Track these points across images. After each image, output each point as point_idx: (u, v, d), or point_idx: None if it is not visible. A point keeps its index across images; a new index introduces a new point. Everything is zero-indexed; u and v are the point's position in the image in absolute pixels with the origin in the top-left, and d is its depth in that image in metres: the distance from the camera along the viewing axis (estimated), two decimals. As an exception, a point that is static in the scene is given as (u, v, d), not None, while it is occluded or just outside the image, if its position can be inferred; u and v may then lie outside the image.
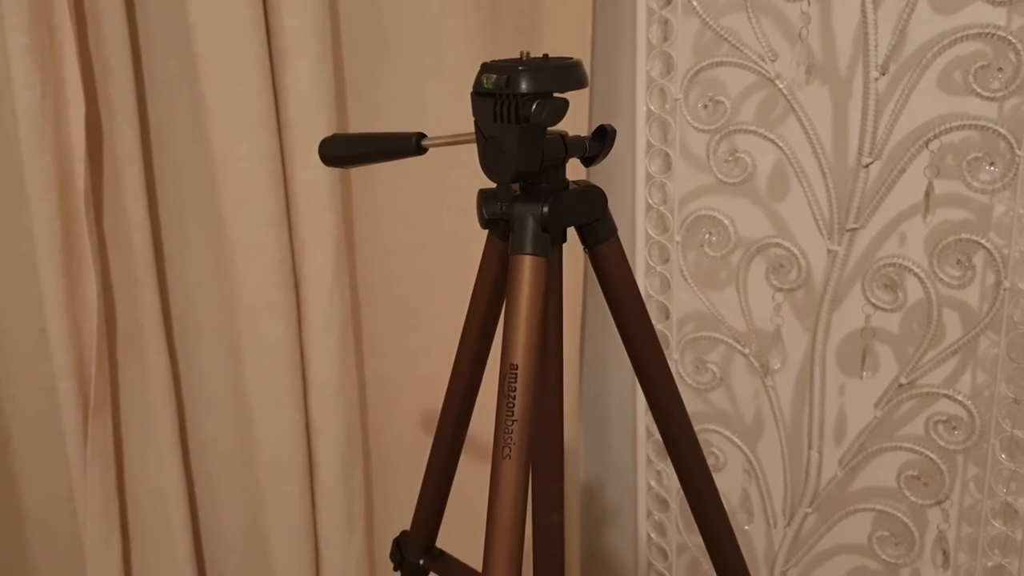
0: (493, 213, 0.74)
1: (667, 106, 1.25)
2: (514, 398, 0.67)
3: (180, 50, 1.17)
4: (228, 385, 1.30)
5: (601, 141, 0.75)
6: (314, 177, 1.20)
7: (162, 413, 1.25)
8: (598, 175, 1.37)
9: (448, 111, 1.24)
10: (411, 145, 0.75)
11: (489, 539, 0.67)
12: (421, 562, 0.96)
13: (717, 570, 0.87)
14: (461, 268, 1.28)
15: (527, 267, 0.69)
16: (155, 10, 1.18)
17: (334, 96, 1.20)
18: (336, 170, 1.22)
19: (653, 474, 1.41)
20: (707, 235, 1.27)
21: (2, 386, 1.25)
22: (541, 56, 0.70)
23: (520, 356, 0.68)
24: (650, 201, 1.30)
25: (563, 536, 0.83)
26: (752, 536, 1.35)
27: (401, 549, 0.98)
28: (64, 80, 1.11)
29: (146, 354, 1.23)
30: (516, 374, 0.67)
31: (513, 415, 0.67)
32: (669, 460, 1.37)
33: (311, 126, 1.18)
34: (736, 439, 1.33)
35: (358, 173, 1.30)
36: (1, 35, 1.08)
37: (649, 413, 1.37)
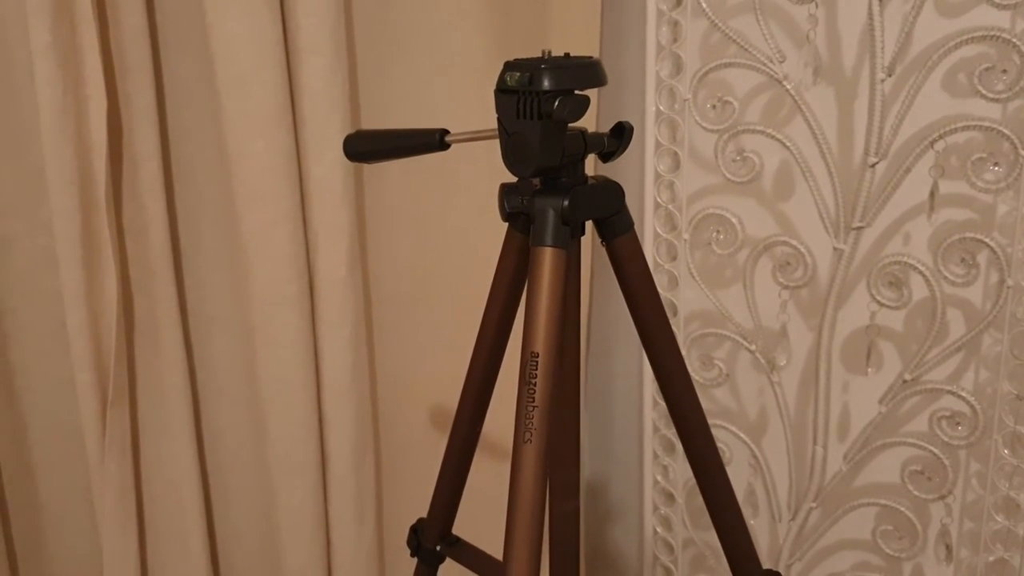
0: (514, 206, 0.77)
1: (676, 106, 1.27)
2: (535, 385, 0.69)
3: (198, 49, 1.19)
4: (242, 378, 1.32)
5: (619, 138, 0.77)
6: (328, 174, 1.22)
7: (177, 405, 1.27)
8: (608, 173, 1.40)
9: (460, 109, 1.26)
10: (435, 141, 0.77)
11: (510, 521, 0.69)
12: (438, 548, 0.98)
13: (728, 556, 0.89)
14: (471, 265, 1.31)
15: (548, 258, 0.71)
16: (174, 10, 1.20)
17: (348, 94, 1.22)
18: (350, 168, 1.24)
19: (660, 469, 1.43)
20: (715, 233, 1.29)
21: (21, 377, 1.27)
22: (563, 55, 0.72)
23: (541, 344, 0.70)
24: (659, 199, 1.32)
25: (579, 522, 0.85)
26: (757, 530, 1.37)
27: (418, 536, 1.00)
28: (85, 78, 1.13)
29: (162, 347, 1.25)
30: (537, 362, 0.70)
31: (534, 401, 0.69)
32: (675, 455, 1.39)
33: (325, 123, 1.21)
34: (742, 434, 1.35)
35: (371, 171, 1.32)
36: (25, 33, 1.10)
37: (656, 408, 1.39)
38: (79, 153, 1.14)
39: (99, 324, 1.19)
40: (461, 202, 1.33)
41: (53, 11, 1.08)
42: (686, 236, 1.31)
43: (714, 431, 1.37)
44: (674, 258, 1.33)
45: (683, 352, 1.36)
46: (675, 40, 1.25)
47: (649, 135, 1.29)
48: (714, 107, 1.24)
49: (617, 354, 1.51)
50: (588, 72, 0.70)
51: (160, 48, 1.21)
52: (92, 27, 1.10)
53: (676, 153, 1.29)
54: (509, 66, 0.71)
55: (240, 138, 1.19)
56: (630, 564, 1.60)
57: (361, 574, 1.37)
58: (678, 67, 1.26)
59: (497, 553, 0.75)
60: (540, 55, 0.71)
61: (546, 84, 0.68)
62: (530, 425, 0.69)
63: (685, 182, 1.29)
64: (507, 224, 0.82)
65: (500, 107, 0.72)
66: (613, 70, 1.36)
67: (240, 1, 1.14)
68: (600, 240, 0.79)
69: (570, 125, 0.73)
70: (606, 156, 0.78)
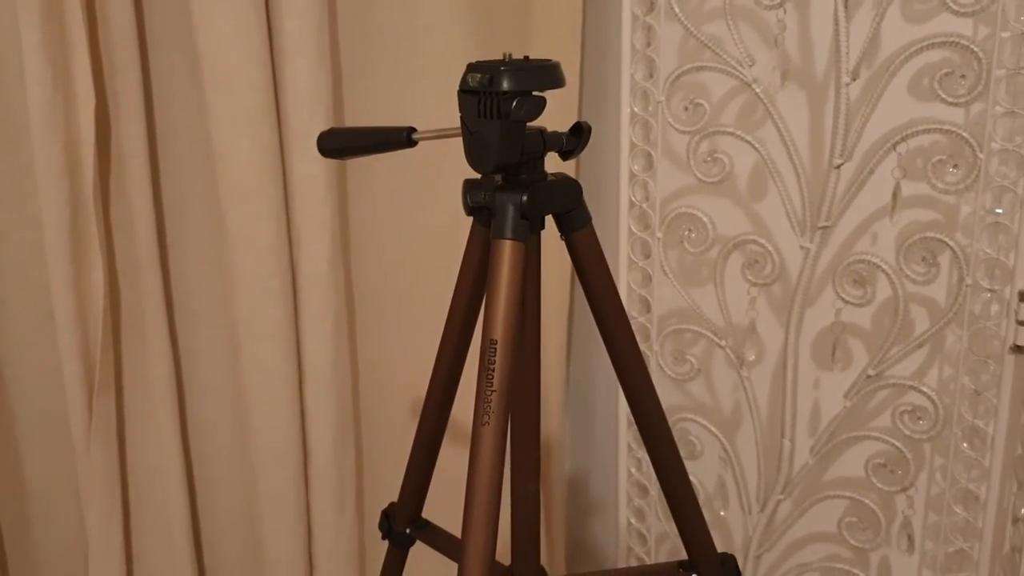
0: (477, 201, 0.80)
1: (650, 108, 1.31)
2: (493, 370, 0.73)
3: (185, 48, 1.22)
4: (226, 370, 1.35)
5: (577, 136, 0.81)
6: (311, 171, 1.25)
7: (162, 396, 1.30)
8: (585, 173, 1.43)
9: (440, 110, 1.29)
10: (402, 138, 0.81)
11: (469, 499, 0.73)
12: (408, 531, 1.02)
13: (684, 542, 0.93)
14: (449, 260, 1.34)
15: (507, 251, 0.75)
16: (161, 10, 1.23)
17: (331, 94, 1.25)
18: (332, 165, 1.27)
19: (634, 461, 1.46)
20: (687, 231, 1.32)
21: (10, 367, 1.30)
22: (522, 58, 0.75)
23: (500, 332, 0.73)
24: (633, 199, 1.35)
25: (539, 502, 0.88)
26: (728, 522, 1.41)
27: (389, 519, 1.04)
28: (74, 75, 1.16)
29: (148, 339, 1.28)
30: (496, 348, 0.73)
31: (492, 386, 0.73)
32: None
33: (309, 122, 1.24)
34: (713, 428, 1.38)
35: (353, 169, 1.35)
36: (15, 31, 1.13)
37: (631, 403, 1.42)
38: (67, 149, 1.17)
39: (86, 316, 1.22)
40: (441, 200, 1.36)
41: (43, 9, 1.11)
42: (659, 234, 1.34)
43: (686, 425, 1.40)
44: (648, 256, 1.37)
45: (657, 347, 1.39)
46: (648, 44, 1.29)
47: (624, 136, 1.33)
48: (687, 109, 1.28)
49: (598, 352, 1.54)
50: (546, 74, 0.74)
51: (148, 47, 1.24)
52: (81, 25, 1.13)
53: (650, 153, 1.32)
54: (471, 67, 0.74)
55: (225, 135, 1.22)
56: (608, 556, 1.64)
57: (341, 561, 1.40)
58: (652, 70, 1.29)
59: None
60: (502, 58, 0.75)
61: (505, 85, 0.72)
62: (488, 408, 0.73)
63: (659, 182, 1.33)
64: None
65: (463, 106, 0.76)
66: (595, 73, 1.40)
67: (226, 1, 1.17)
68: (560, 234, 0.83)
69: (529, 124, 0.76)
70: (565, 154, 0.81)
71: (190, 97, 1.24)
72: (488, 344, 0.73)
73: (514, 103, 0.71)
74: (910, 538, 1.25)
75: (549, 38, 1.35)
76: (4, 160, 1.23)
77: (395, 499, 1.07)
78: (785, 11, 1.17)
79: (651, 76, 1.30)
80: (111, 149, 1.23)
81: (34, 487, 1.36)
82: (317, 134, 1.22)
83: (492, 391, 0.73)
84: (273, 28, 1.22)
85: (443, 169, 1.32)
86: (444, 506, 1.12)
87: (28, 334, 1.29)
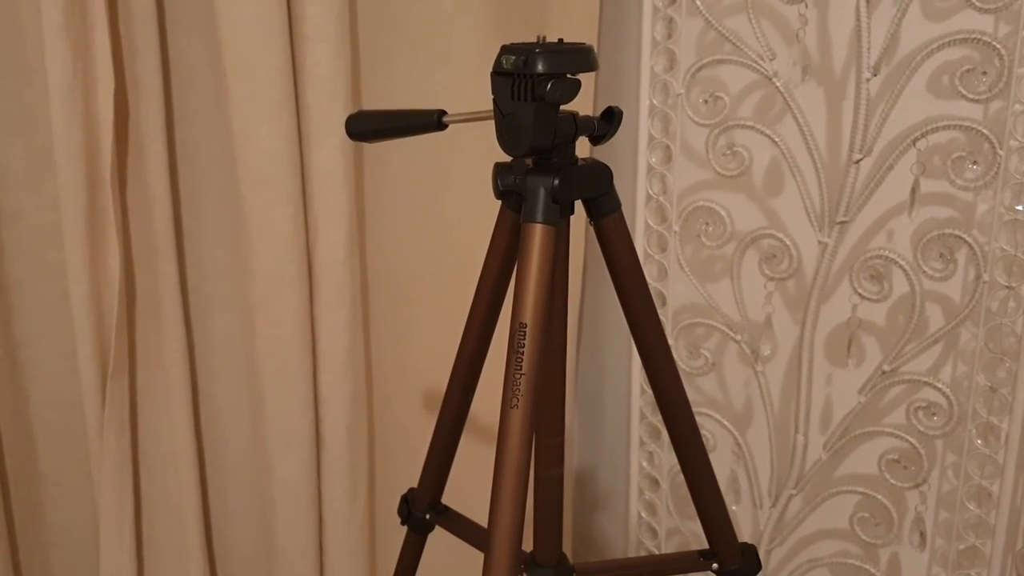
0: (507, 185, 0.80)
1: (669, 100, 1.31)
2: (522, 353, 0.73)
3: (205, 32, 1.22)
4: (240, 356, 1.35)
5: (609, 121, 0.81)
6: (330, 158, 1.25)
7: (176, 380, 1.30)
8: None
9: (458, 98, 1.30)
10: (433, 121, 0.81)
11: (496, 481, 0.73)
12: (427, 516, 1.02)
13: (706, 531, 0.93)
14: (467, 250, 1.34)
15: (538, 234, 0.75)
16: (183, -7, 1.23)
17: (350, 81, 1.25)
18: (351, 153, 1.27)
19: (645, 455, 1.46)
20: (704, 225, 1.32)
21: (24, 349, 1.29)
22: (556, 40, 0.75)
23: (529, 315, 0.73)
24: (650, 192, 1.35)
25: (563, 488, 0.88)
26: (739, 516, 1.41)
27: (408, 505, 1.04)
28: (94, 57, 1.16)
29: (163, 323, 1.28)
30: (525, 332, 0.73)
31: (521, 369, 0.73)
32: (661, 442, 1.43)
33: (328, 109, 1.24)
34: (726, 422, 1.38)
35: (371, 157, 1.35)
36: (36, 12, 1.13)
37: (643, 396, 1.42)
38: (86, 131, 1.16)
39: (102, 299, 1.22)
40: (459, 189, 1.36)
41: (65, -9, 1.11)
42: (676, 228, 1.34)
43: (700, 419, 1.40)
44: (664, 249, 1.37)
45: (672, 341, 1.39)
46: (669, 36, 1.29)
47: (643, 128, 1.33)
48: (706, 102, 1.28)
49: (609, 348, 1.54)
50: (580, 57, 0.74)
51: (168, 31, 1.24)
52: (102, 8, 1.13)
53: (668, 146, 1.32)
54: (505, 49, 0.74)
55: (245, 121, 1.22)
56: (616, 551, 1.64)
57: (353, 549, 1.40)
58: (672, 62, 1.29)
59: (485, 523, 0.78)
60: (535, 40, 0.75)
61: (540, 67, 0.72)
62: (517, 391, 0.73)
63: (676, 175, 1.33)
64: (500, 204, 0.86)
65: (496, 89, 0.76)
66: (611, 64, 1.40)
67: (247, -13, 1.17)
68: (588, 219, 0.83)
69: (561, 108, 0.77)
70: (596, 139, 0.82)
71: (210, 82, 1.24)
72: (517, 327, 0.73)
73: (549, 85, 0.71)
74: (922, 534, 1.25)
75: (567, 27, 1.35)
76: (23, 141, 1.23)
77: (407, 488, 1.07)
78: (806, 6, 1.18)
79: (671, 68, 1.30)
80: (129, 132, 1.23)
81: (46, 470, 1.35)
82: (336, 121, 1.24)
83: (521, 374, 0.73)
84: (294, 14, 1.21)
85: (460, 158, 1.32)
86: (463, 495, 1.12)
87: (43, 316, 1.29)
